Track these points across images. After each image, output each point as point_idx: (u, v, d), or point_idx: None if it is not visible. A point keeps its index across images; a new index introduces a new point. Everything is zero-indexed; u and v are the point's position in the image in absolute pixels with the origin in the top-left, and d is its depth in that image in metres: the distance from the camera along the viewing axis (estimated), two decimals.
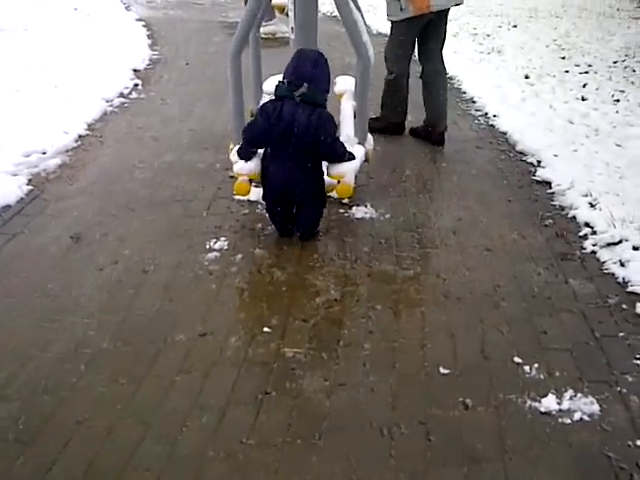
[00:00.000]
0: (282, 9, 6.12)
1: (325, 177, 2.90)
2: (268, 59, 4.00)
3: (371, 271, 2.75)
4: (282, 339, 2.31)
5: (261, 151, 2.91)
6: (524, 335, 2.36)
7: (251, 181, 2.91)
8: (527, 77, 5.80)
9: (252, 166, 2.82)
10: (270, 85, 3.93)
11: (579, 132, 4.38)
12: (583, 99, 5.24)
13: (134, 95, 5.23)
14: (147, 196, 3.41)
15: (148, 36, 7.55)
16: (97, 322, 2.38)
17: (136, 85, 5.51)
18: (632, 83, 5.73)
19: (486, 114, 4.84)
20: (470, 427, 1.95)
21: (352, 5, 2.87)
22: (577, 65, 6.31)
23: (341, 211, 3.25)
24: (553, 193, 3.50)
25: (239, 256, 2.84)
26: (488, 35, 7.71)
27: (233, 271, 2.73)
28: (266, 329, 2.37)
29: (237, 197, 3.22)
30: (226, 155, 3.39)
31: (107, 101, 4.98)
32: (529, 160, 3.95)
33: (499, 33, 7.83)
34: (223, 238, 2.97)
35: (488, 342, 2.32)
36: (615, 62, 6.44)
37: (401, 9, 3.78)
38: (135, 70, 5.92)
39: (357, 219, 3.19)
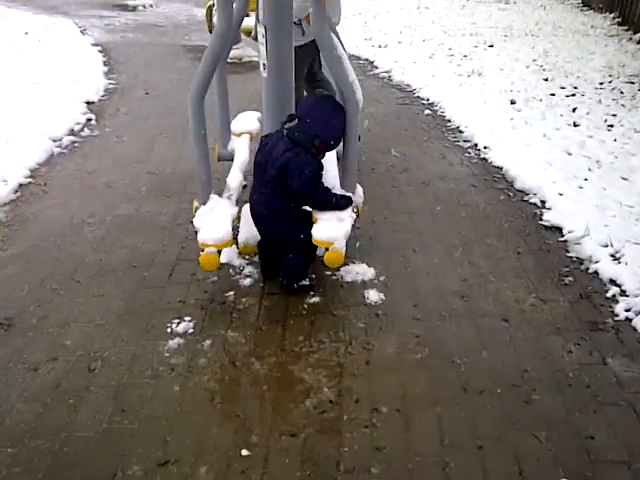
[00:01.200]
0: (248, 33, 5.66)
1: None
2: (235, 86, 3.53)
3: (370, 356, 2.26)
4: (265, 466, 1.81)
5: (229, 214, 2.43)
6: (567, 442, 1.90)
7: (220, 252, 2.40)
8: (513, 102, 5.43)
9: (220, 234, 2.32)
10: (240, 125, 3.47)
11: (580, 164, 4.00)
12: (575, 125, 4.89)
13: (86, 132, 4.68)
14: (96, 262, 2.87)
15: (104, 62, 7.01)
16: (26, 453, 1.84)
17: (89, 120, 4.96)
18: (622, 106, 5.41)
19: (476, 145, 4.43)
20: None
21: (335, 39, 2.41)
22: (562, 87, 5.98)
23: (328, 273, 2.77)
24: (566, 241, 3.08)
25: (207, 342, 2.33)
26: (465, 56, 7.38)
27: (201, 364, 2.21)
28: (244, 452, 1.86)
29: None
30: (190, 204, 2.87)
31: (54, 141, 4.43)
32: (532, 200, 3.54)
33: (476, 53, 7.51)
34: (188, 318, 2.45)
35: (525, 456, 1.85)
36: (601, 83, 6.14)
37: (303, 33, 3.59)
38: (88, 102, 5.38)
39: (347, 283, 2.71)
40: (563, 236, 3.12)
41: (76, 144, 4.45)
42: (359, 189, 2.73)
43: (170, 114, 5.10)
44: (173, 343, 2.31)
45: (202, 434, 1.93)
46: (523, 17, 10.19)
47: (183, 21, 9.90)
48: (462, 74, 6.46)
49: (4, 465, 1.80)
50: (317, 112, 2.49)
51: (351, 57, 6.62)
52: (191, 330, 2.39)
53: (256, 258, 2.87)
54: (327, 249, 2.36)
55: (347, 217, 2.47)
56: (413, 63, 6.96)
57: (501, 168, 4.00)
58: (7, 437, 1.89)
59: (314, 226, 2.44)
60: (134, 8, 10.79)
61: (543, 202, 3.50)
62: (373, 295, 2.62)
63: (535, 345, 2.33)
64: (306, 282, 2.62)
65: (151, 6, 11.01)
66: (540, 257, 2.94)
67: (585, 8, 10.91)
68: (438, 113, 5.20)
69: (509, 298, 2.61)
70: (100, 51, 7.52)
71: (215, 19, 2.84)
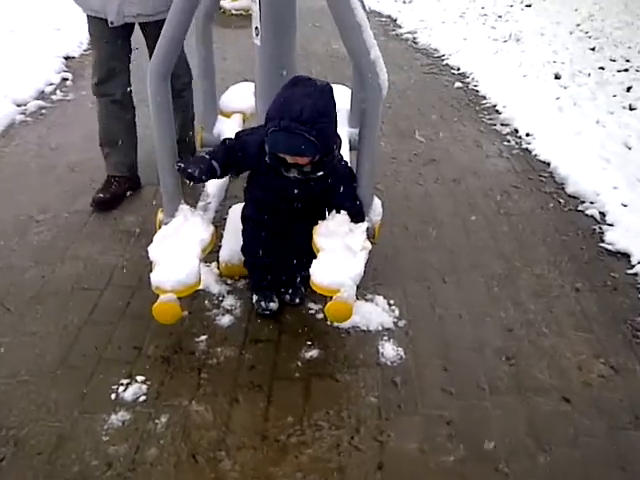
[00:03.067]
0: None
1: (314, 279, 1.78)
2: (239, 43, 2.83)
3: (384, 455, 1.64)
4: None
5: (199, 240, 1.77)
6: None
7: (180, 299, 1.75)
8: (558, 77, 4.65)
9: (182, 275, 1.66)
10: (232, 101, 2.78)
11: None
12: (631, 108, 4.14)
13: (58, 96, 3.97)
14: (37, 281, 2.24)
15: None
16: None
17: (64, 80, 4.24)
18: None
19: (516, 131, 3.70)
20: None
21: (355, 1, 1.69)
22: (613, 60, 5.18)
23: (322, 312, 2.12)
24: (637, 275, 2.41)
25: (163, 419, 1.71)
26: (500, 16, 6.51)
27: (149, 458, 1.60)
28: None
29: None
30: None
31: (19, 105, 3.73)
32: (589, 211, 2.85)
33: (512, 14, 6.63)
34: (141, 377, 1.84)
35: None
36: None
37: None
38: (67, 58, 4.64)
39: (356, 330, 2.07)
40: (633, 267, 2.45)
41: (44, 110, 3.75)
42: (376, 203, 2.05)
43: None
44: (116, 419, 1.70)
45: None
46: None
47: None
48: (497, 38, 5.64)
49: None
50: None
51: (371, 14, 5.79)
52: (143, 397, 1.78)
53: (240, 283, 2.24)
54: (330, 297, 1.70)
55: (359, 248, 1.80)
56: (442, 23, 6.12)
57: (548, 164, 3.29)
58: None
59: (314, 262, 1.78)
60: None
61: (603, 215, 2.82)
62: (390, 350, 1.98)
63: (609, 446, 1.70)
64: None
65: None
66: (605, 298, 2.29)
67: None
68: (470, 87, 4.44)
69: (570, 363, 1.97)
70: None
71: None
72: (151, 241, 1.86)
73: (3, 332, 2.01)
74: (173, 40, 1.76)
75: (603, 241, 2.63)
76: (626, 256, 2.53)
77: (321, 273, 1.72)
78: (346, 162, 2.00)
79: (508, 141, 3.59)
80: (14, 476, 1.55)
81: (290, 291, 2.14)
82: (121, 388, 1.80)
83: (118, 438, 1.65)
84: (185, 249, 1.71)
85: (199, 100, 2.71)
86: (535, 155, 3.40)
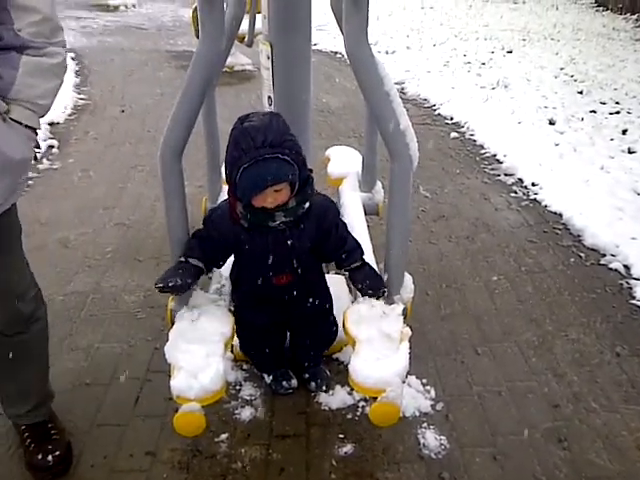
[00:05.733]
0: (242, 38, 4.85)
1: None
2: (226, 100, 2.72)
3: None
4: None
5: (220, 333, 1.59)
6: None
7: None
8: (552, 123, 4.64)
9: (206, 381, 1.46)
10: None
11: None
12: (630, 151, 4.11)
13: (45, 165, 3.83)
14: None
15: (76, 72, 6.15)
16: None
17: (50, 148, 4.11)
18: None
19: (521, 181, 3.62)
20: None
21: (380, 63, 1.58)
22: (603, 102, 5.19)
23: (360, 397, 1.94)
24: None
25: None
26: (483, 63, 6.57)
27: None
28: None
29: None
30: None
31: None
32: (612, 265, 2.73)
33: (495, 61, 6.70)
34: None
35: None
36: None
37: None
38: (52, 124, 4.51)
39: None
40: None
41: (30, 182, 3.58)
42: (407, 279, 1.89)
43: (149, 139, 4.25)
44: None
45: None
46: (537, 18, 9.42)
47: (168, 23, 9.05)
48: (485, 86, 5.66)
49: None
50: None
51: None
52: None
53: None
54: (374, 398, 1.52)
55: (398, 335, 1.63)
56: (427, 72, 6.15)
57: (561, 215, 3.20)
58: None
59: (352, 358, 1.59)
60: (115, 8, 9.93)
61: (627, 268, 2.70)
62: (432, 440, 1.80)
63: None
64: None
65: (134, 6, 10.15)
66: None
67: (601, 8, 10.16)
68: (467, 136, 4.40)
69: (627, 442, 1.81)
70: (73, 58, 6.65)
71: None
72: (156, 326, 1.68)
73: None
74: (187, 116, 1.61)
75: (634, 297, 2.50)
76: None
77: (363, 370, 1.54)
78: (320, 193, 1.74)
79: (515, 192, 3.50)
80: None
81: (314, 377, 1.97)
82: None
83: None
84: (206, 349, 1.53)
85: (205, 170, 2.57)
86: (545, 206, 3.31)
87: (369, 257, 1.91)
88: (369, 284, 1.66)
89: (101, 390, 1.99)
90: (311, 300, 1.80)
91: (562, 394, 1.99)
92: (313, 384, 1.96)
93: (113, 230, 3.03)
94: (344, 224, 1.77)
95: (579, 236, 2.99)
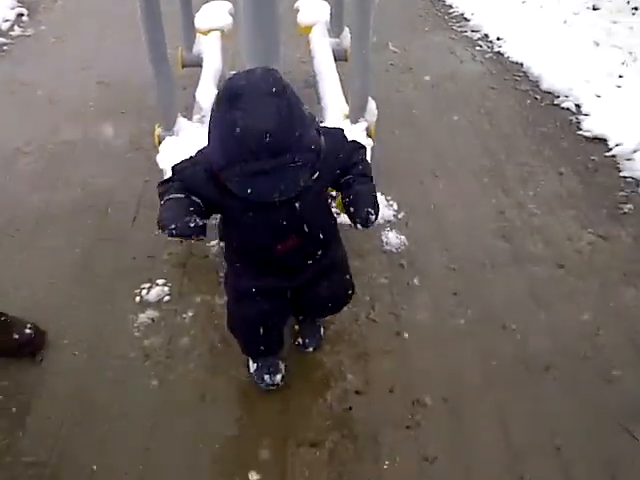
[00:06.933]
0: None
1: None
2: None
3: (400, 325, 1.77)
4: None
5: None
6: None
7: None
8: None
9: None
10: (207, 19, 2.75)
11: (612, 57, 3.38)
12: (595, 8, 4.21)
13: (17, 31, 3.83)
14: (38, 204, 2.26)
15: None
16: None
17: (20, 15, 4.07)
18: None
19: (487, 36, 3.75)
20: None
21: None
22: None
23: (336, 211, 2.20)
24: (615, 157, 2.54)
25: (190, 313, 1.80)
26: None
27: (183, 347, 1.70)
28: (253, 476, 1.40)
29: None
30: (152, 122, 2.19)
31: None
32: (564, 104, 2.95)
33: None
34: (161, 280, 1.91)
35: (615, 458, 1.43)
36: None
37: None
38: None
39: None
40: (610, 150, 2.59)
41: (5, 47, 3.62)
42: (371, 103, 2.11)
43: (119, 1, 4.21)
44: (145, 317, 1.78)
45: (190, 455, 1.45)
46: None
47: None
48: None
49: None
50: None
51: None
52: (167, 297, 1.85)
53: None
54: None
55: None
56: None
57: (521, 64, 3.37)
58: None
59: None
60: None
61: (578, 106, 2.93)
62: (393, 239, 2.09)
63: (602, 298, 1.86)
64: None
65: None
66: (587, 179, 2.42)
67: None
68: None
69: (560, 236, 2.12)
70: None
71: None
72: (144, 164, 1.87)
73: (16, 251, 2.04)
74: None
75: (581, 129, 2.75)
76: (603, 141, 2.66)
77: None
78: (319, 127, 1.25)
79: (480, 46, 3.64)
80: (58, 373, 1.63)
81: (311, 335, 1.72)
82: (144, 291, 1.86)
83: (150, 333, 1.73)
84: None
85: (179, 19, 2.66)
86: (508, 57, 3.47)
87: (339, 99, 2.12)
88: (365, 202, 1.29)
89: (101, 212, 2.22)
90: (320, 253, 1.44)
91: (508, 203, 2.28)
92: (307, 341, 1.71)
93: (94, 88, 3.13)
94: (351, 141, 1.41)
95: (536, 81, 3.19)
